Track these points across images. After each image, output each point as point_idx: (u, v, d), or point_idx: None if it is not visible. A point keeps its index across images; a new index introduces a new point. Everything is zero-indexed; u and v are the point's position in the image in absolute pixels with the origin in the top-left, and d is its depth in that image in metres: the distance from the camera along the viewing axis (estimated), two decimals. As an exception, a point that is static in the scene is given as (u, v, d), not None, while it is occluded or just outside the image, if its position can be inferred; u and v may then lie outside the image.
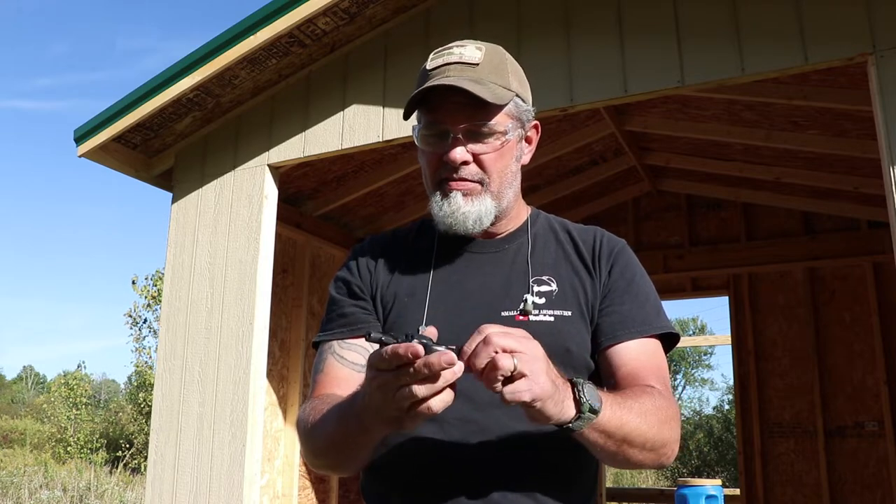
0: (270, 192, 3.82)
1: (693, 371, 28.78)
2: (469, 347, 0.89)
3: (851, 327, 5.67)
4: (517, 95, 1.23)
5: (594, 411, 0.98)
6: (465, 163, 1.19)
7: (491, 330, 0.90)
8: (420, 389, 0.86)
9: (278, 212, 3.93)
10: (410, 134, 3.68)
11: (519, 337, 0.90)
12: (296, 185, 4.74)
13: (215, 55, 3.54)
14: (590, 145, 5.27)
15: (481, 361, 0.88)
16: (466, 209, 1.20)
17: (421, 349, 0.85)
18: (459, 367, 0.88)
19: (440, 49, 1.23)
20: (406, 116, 1.22)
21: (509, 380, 0.89)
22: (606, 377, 1.20)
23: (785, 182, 5.43)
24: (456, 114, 1.18)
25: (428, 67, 1.21)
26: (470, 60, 1.19)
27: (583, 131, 4.99)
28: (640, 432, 1.06)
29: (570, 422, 0.97)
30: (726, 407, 19.87)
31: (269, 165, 3.81)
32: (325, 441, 1.12)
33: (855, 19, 2.71)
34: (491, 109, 1.19)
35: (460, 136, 1.19)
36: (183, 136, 4.08)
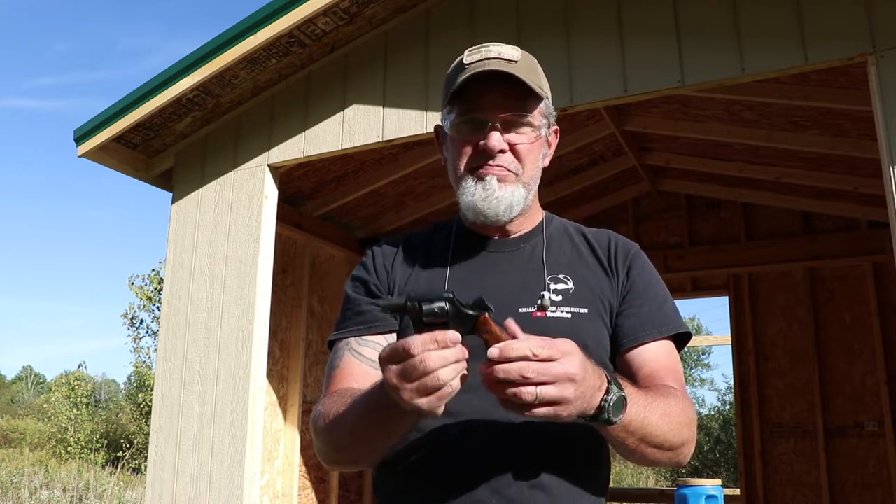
0: (270, 192, 3.82)
1: (692, 371, 28.78)
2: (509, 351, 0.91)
3: (851, 327, 5.66)
4: (547, 97, 1.27)
5: (610, 422, 1.00)
6: (503, 151, 1.22)
7: (525, 344, 0.92)
8: (440, 368, 0.89)
9: (278, 212, 3.93)
10: (410, 134, 3.66)
11: (551, 349, 0.93)
12: (296, 185, 4.74)
13: (215, 55, 3.54)
14: (590, 145, 5.27)
15: (508, 375, 0.90)
16: (500, 194, 1.22)
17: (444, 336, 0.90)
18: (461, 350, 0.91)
19: (476, 46, 1.26)
20: (445, 103, 1.25)
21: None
22: (626, 378, 1.20)
23: (785, 182, 5.43)
24: (496, 104, 1.21)
25: (466, 61, 1.23)
26: (509, 58, 1.22)
27: (583, 131, 4.98)
28: (661, 432, 1.08)
29: (587, 418, 1.00)
30: (727, 407, 19.86)
31: (269, 165, 3.81)
32: (349, 433, 1.11)
33: (855, 19, 2.71)
34: (529, 103, 1.23)
35: (498, 125, 1.21)
36: (183, 136, 4.07)
